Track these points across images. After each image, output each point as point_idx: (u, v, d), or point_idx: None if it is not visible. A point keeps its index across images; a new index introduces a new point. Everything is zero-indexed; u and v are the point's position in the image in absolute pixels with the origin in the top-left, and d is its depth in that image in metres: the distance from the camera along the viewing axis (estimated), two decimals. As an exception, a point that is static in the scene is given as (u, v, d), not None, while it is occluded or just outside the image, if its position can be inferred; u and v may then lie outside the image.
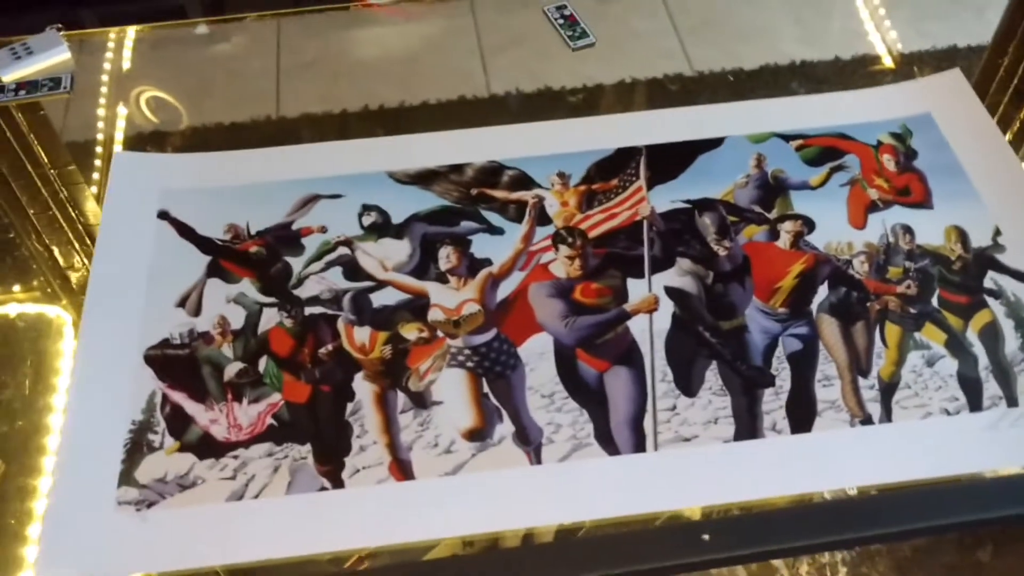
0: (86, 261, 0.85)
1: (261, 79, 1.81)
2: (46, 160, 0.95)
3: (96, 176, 0.93)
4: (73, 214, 0.91)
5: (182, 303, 0.77)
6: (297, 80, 1.55)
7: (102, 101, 1.01)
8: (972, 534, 0.68)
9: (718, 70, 1.68)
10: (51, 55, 0.96)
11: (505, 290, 0.78)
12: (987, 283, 0.78)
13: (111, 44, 1.04)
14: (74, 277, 0.86)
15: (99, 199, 0.88)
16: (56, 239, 0.89)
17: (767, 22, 1.30)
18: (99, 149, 0.95)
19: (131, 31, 1.06)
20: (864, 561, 0.67)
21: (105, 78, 1.02)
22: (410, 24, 1.40)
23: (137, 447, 0.69)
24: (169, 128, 0.99)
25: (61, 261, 0.90)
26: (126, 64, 1.04)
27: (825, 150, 0.88)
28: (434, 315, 0.76)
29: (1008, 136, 0.90)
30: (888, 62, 1.02)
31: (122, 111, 0.99)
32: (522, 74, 1.68)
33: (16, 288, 0.86)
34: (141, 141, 0.95)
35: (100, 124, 0.97)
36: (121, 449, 0.69)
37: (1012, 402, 0.71)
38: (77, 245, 0.89)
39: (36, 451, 0.70)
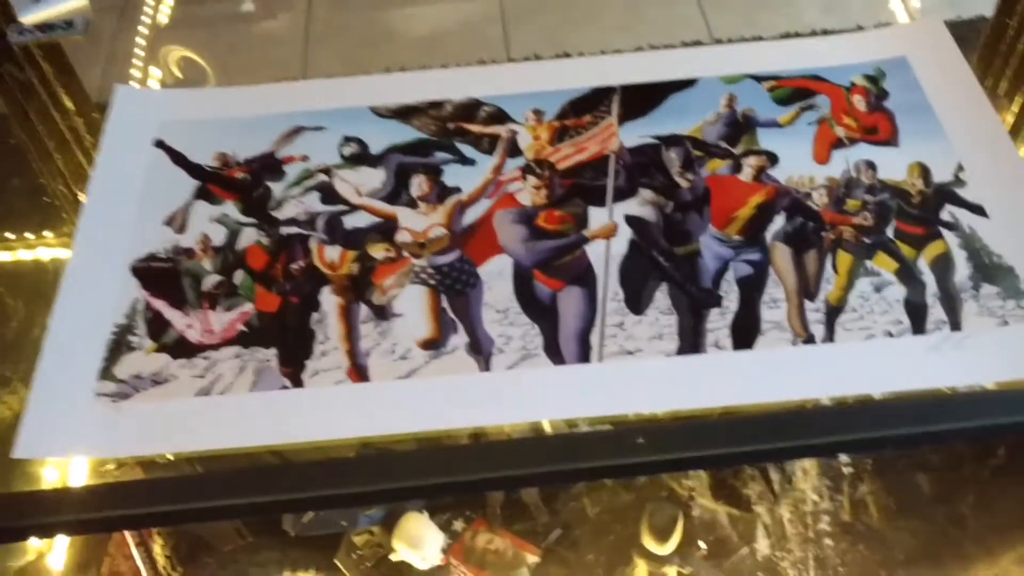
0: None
1: (288, 44, 1.87)
2: (66, 99, 1.02)
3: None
4: (76, 150, 0.97)
5: (169, 222, 0.83)
6: (324, 45, 1.61)
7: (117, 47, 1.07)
8: (912, 451, 0.70)
9: (736, 38, 1.69)
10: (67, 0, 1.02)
11: (472, 216, 0.82)
12: (944, 216, 0.79)
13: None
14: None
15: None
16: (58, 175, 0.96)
17: None
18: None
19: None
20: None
21: (125, 26, 1.08)
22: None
23: (118, 347, 0.75)
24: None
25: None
26: (152, 15, 1.10)
27: (797, 91, 0.90)
28: (402, 237, 0.80)
29: (988, 84, 0.91)
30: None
31: (141, 57, 1.05)
32: (543, 41, 1.71)
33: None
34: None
35: (108, 66, 1.03)
36: (103, 347, 0.75)
37: (956, 326, 0.72)
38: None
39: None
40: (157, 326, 0.76)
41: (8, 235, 1.05)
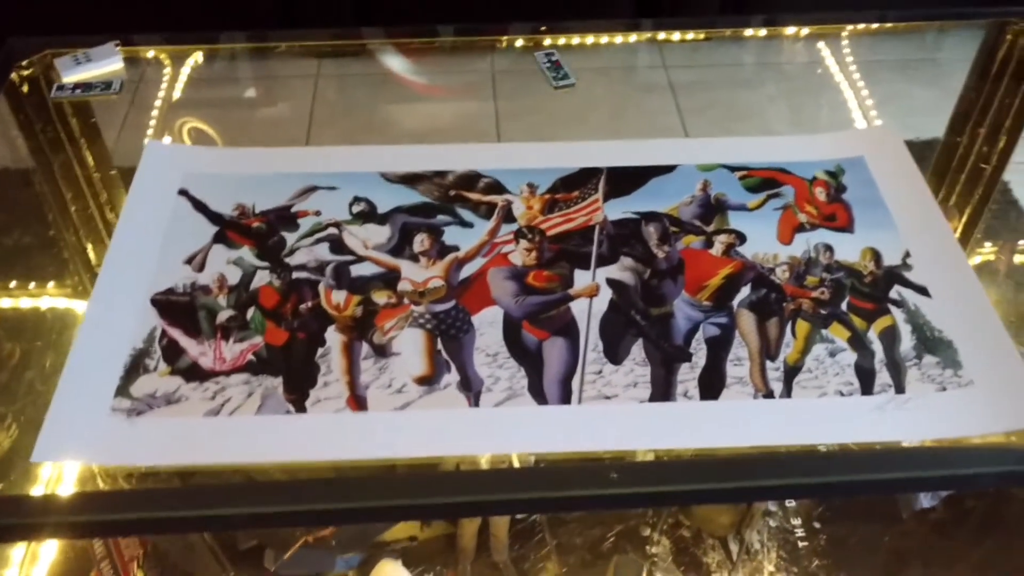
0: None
1: (293, 126, 1.98)
2: (90, 158, 1.10)
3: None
4: (104, 207, 1.05)
5: (189, 261, 0.90)
6: (327, 128, 1.71)
7: (148, 111, 1.16)
8: (852, 498, 0.76)
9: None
10: (106, 64, 1.12)
11: (468, 271, 0.90)
12: (892, 294, 0.88)
13: (165, 62, 1.20)
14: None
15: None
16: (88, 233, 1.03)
17: (762, 105, 1.43)
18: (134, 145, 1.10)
19: (183, 51, 1.22)
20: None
21: (150, 89, 1.17)
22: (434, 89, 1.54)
23: (134, 368, 0.81)
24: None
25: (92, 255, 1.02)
26: (173, 81, 1.20)
27: (765, 180, 1.00)
28: (403, 286, 0.88)
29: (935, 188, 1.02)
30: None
31: (164, 119, 1.14)
32: (531, 138, 1.82)
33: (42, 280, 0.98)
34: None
35: (138, 126, 1.12)
36: (121, 368, 0.81)
37: (900, 390, 0.80)
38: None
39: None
40: (172, 352, 0.82)
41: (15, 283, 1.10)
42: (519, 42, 1.36)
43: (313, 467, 0.76)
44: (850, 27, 1.34)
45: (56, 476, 0.76)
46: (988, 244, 1.04)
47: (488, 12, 2.07)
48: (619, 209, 0.96)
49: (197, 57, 1.24)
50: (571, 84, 1.19)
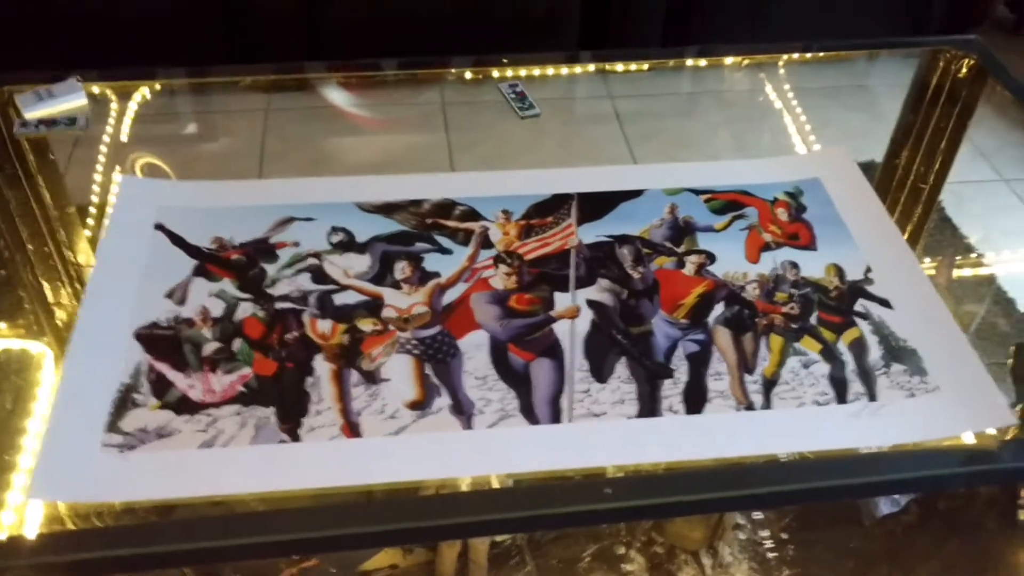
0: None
1: (246, 159, 1.97)
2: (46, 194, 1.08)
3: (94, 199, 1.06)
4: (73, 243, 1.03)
5: (170, 295, 0.90)
6: (279, 162, 1.71)
7: (106, 141, 1.15)
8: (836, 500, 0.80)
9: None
10: (70, 99, 1.11)
11: (450, 297, 0.91)
12: (857, 307, 0.93)
13: (127, 95, 1.19)
14: (62, 313, 0.97)
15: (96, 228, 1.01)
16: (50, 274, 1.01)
17: (706, 133, 1.49)
18: (98, 179, 1.09)
19: (143, 86, 1.22)
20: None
21: (112, 124, 1.16)
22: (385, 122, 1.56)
23: (123, 403, 0.80)
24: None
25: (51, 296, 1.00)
26: (134, 114, 1.19)
27: (729, 203, 1.04)
28: (387, 313, 0.89)
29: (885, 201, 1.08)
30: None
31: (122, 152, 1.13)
32: (483, 168, 1.85)
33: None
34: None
35: (103, 160, 1.11)
36: (110, 404, 0.80)
37: (872, 397, 0.84)
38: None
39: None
40: (161, 386, 0.82)
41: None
42: (467, 74, 1.39)
43: (308, 495, 0.77)
44: (785, 57, 1.41)
45: (19, 519, 0.74)
46: (927, 259, 1.10)
47: (436, 45, 2.10)
48: (592, 233, 0.99)
49: (145, 92, 1.24)
50: (537, 114, 1.22)
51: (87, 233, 1.03)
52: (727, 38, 2.13)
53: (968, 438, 0.81)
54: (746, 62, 1.42)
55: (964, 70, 1.31)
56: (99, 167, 1.10)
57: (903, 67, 1.57)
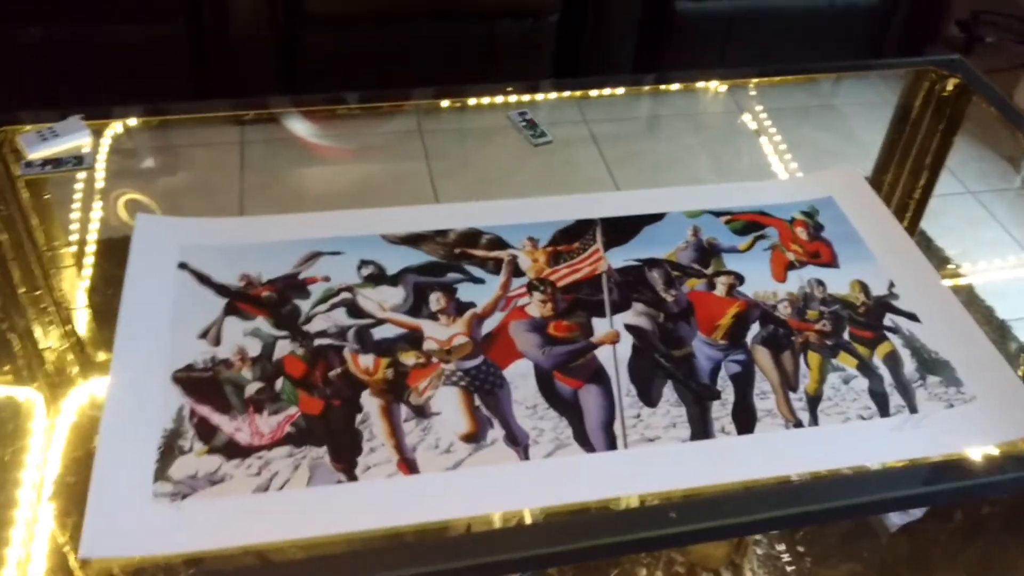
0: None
1: (224, 193, 1.94)
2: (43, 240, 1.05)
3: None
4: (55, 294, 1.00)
5: (204, 335, 0.87)
6: (260, 196, 1.69)
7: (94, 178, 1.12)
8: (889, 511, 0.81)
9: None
10: (74, 138, 1.08)
11: (488, 327, 0.91)
12: (886, 322, 0.95)
13: (125, 132, 1.16)
14: (50, 357, 0.94)
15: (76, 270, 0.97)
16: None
17: (683, 153, 1.51)
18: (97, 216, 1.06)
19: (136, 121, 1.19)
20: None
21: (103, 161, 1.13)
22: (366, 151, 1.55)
23: (169, 450, 0.78)
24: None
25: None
26: (127, 149, 1.16)
27: (749, 223, 1.06)
28: (428, 346, 0.88)
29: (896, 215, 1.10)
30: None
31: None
32: (467, 194, 1.85)
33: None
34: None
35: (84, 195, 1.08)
36: (154, 452, 0.77)
37: (913, 410, 0.86)
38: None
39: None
40: (205, 430, 0.80)
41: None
42: (444, 103, 1.39)
43: (367, 536, 0.75)
44: (755, 80, 1.44)
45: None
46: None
47: (410, 71, 2.10)
48: (619, 257, 1.00)
49: (130, 126, 1.21)
50: (549, 141, 1.23)
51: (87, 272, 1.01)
52: (698, 60, 2.18)
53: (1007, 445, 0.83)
54: (724, 86, 1.44)
55: (949, 88, 1.35)
56: (79, 203, 1.07)
57: (868, 86, 1.62)
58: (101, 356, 0.92)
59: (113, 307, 0.91)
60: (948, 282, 1.02)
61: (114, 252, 1.02)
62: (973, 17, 2.53)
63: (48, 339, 0.97)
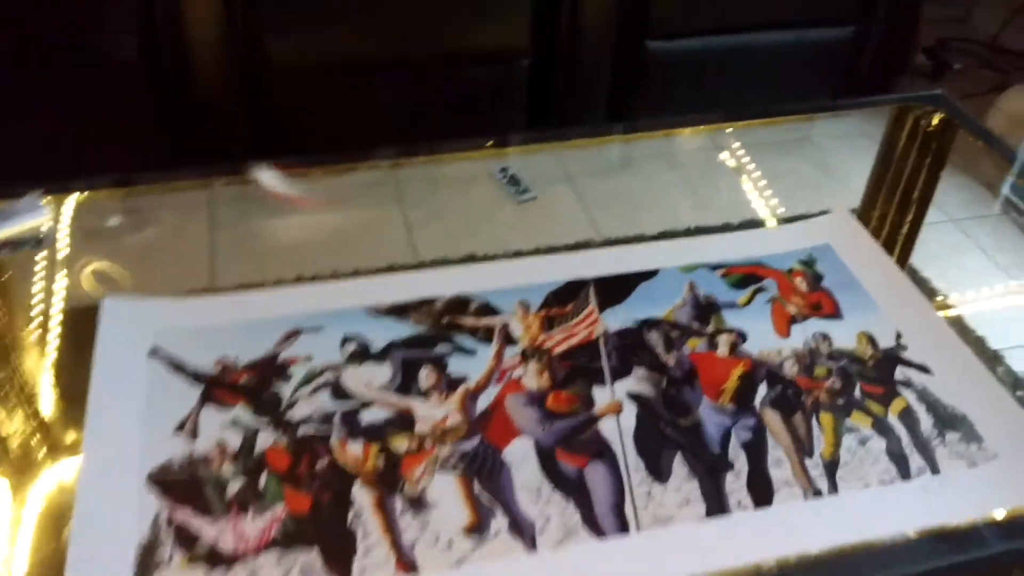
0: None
1: (195, 253, 1.87)
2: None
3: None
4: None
5: (180, 427, 0.81)
6: (230, 255, 1.63)
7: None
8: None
9: (622, 236, 1.86)
10: (32, 216, 1.02)
11: (483, 403, 0.86)
12: (898, 376, 0.91)
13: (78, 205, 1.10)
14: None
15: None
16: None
17: (663, 192, 1.48)
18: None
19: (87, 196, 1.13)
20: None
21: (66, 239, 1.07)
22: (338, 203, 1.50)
23: (145, 564, 0.71)
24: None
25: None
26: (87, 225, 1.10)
27: (746, 276, 1.02)
28: (420, 428, 0.83)
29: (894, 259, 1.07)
30: (772, 224, 1.18)
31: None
32: (445, 244, 1.81)
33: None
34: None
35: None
36: (130, 567, 0.71)
37: (935, 470, 0.82)
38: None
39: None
40: (185, 538, 0.73)
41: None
42: (419, 158, 1.36)
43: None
44: (732, 125, 1.42)
45: None
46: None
47: (382, 120, 2.06)
48: (615, 318, 0.95)
49: (93, 200, 1.15)
50: (533, 197, 1.19)
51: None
52: (673, 97, 2.16)
53: (1040, 505, 0.79)
54: (702, 129, 1.42)
55: (934, 123, 1.33)
56: (43, 279, 1.01)
57: (845, 118, 1.60)
58: (70, 438, 0.86)
59: (81, 385, 0.85)
60: (940, 313, 0.99)
61: (81, 324, 0.96)
62: (940, 44, 2.54)
63: (12, 424, 0.91)
